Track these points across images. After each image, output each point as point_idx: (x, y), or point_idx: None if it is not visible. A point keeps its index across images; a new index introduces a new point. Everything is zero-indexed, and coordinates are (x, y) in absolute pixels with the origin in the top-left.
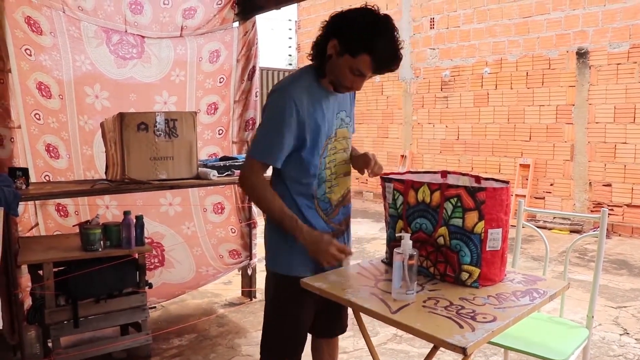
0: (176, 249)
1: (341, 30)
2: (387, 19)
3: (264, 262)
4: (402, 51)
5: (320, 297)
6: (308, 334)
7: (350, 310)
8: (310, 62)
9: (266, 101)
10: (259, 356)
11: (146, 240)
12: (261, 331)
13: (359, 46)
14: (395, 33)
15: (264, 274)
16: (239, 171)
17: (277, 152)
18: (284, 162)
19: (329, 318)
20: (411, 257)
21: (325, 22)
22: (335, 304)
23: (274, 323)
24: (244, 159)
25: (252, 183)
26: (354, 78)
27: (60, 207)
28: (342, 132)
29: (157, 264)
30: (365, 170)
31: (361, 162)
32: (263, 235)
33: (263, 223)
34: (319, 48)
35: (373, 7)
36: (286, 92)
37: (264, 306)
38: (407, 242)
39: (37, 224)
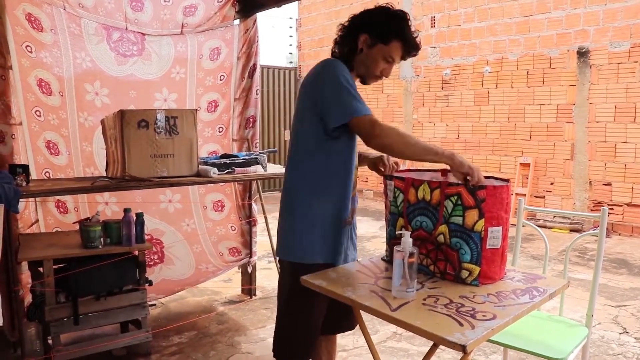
0: (176, 246)
1: (370, 25)
2: (404, 12)
3: (263, 260)
4: (419, 38)
5: None
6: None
7: None
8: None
9: (316, 75)
10: (258, 353)
11: (146, 237)
12: (263, 327)
13: (390, 34)
14: (412, 23)
15: (264, 272)
16: (239, 169)
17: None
18: (338, 135)
19: (339, 315)
20: (411, 254)
21: (347, 23)
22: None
23: (291, 317)
24: (245, 157)
25: (381, 130)
26: (385, 66)
27: (60, 204)
28: None
29: (157, 261)
30: (383, 167)
31: (378, 162)
32: (277, 227)
33: (263, 221)
34: (346, 45)
35: (388, 4)
36: (340, 62)
37: (278, 305)
38: (407, 239)
39: (37, 221)
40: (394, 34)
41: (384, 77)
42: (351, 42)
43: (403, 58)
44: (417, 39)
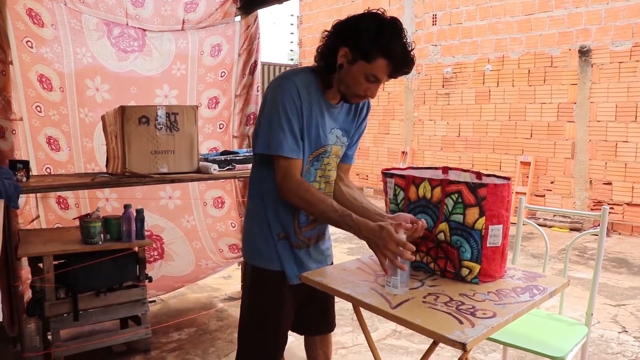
0: (176, 242)
1: (351, 37)
2: (396, 21)
3: None
4: (413, 52)
5: (302, 294)
6: (299, 334)
7: (349, 306)
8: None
9: (266, 92)
10: None
11: (145, 233)
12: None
13: (374, 51)
14: (405, 35)
15: None
16: (239, 165)
17: (299, 144)
18: (270, 163)
19: (315, 315)
20: None
21: (330, 31)
22: (319, 301)
23: (255, 322)
24: (245, 153)
25: (288, 188)
26: (369, 85)
27: (61, 200)
28: (336, 150)
29: (157, 257)
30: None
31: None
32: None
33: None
34: (326, 58)
35: (378, 10)
36: (289, 81)
37: (241, 305)
38: (401, 236)
39: (38, 217)
40: (379, 50)
41: (369, 99)
42: (331, 55)
43: (392, 76)
44: (410, 53)
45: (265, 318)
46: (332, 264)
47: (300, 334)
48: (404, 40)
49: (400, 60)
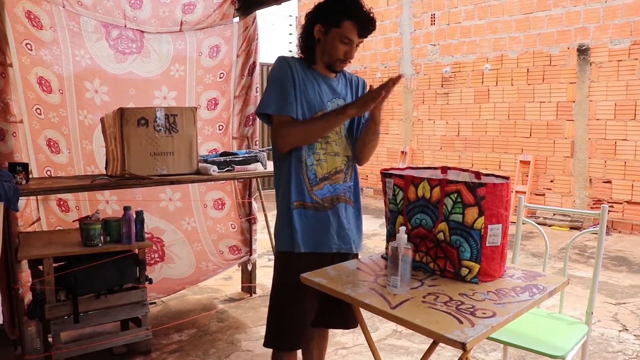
0: (176, 244)
1: (321, 14)
2: None
3: (263, 258)
4: (372, 14)
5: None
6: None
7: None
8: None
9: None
10: (259, 351)
11: (146, 236)
12: (263, 325)
13: (341, 16)
14: (363, 2)
15: (264, 269)
16: (239, 167)
17: (288, 102)
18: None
19: (331, 309)
20: (405, 250)
21: (305, 20)
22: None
23: (277, 305)
24: (245, 154)
25: (281, 136)
26: (346, 48)
27: (62, 202)
28: None
29: (157, 259)
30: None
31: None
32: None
33: (263, 218)
34: (304, 41)
35: None
36: (282, 59)
37: (270, 293)
38: (402, 235)
39: (38, 219)
40: (343, 14)
41: (349, 61)
42: (309, 37)
43: (362, 35)
44: (369, 14)
45: (293, 303)
46: (356, 254)
47: (316, 325)
48: (361, 3)
49: (364, 19)
